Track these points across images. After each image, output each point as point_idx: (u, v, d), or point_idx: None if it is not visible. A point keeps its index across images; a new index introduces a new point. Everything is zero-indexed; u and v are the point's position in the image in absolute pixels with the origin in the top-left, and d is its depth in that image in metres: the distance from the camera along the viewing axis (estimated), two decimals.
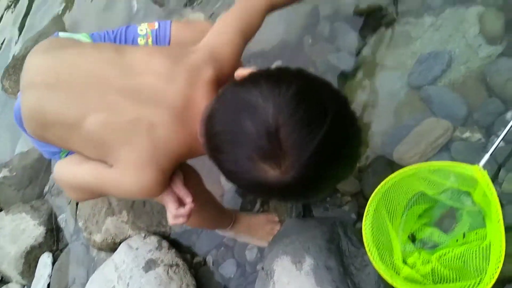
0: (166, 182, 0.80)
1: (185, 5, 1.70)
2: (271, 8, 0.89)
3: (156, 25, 1.05)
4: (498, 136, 0.88)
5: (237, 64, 0.83)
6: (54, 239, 1.70)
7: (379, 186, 0.90)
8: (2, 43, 2.63)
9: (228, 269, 1.23)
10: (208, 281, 1.26)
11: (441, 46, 1.07)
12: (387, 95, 1.12)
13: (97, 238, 1.43)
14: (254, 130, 0.58)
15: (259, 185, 0.62)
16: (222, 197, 1.31)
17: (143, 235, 1.34)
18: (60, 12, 2.30)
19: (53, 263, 1.63)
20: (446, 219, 0.94)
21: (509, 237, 0.76)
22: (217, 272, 1.25)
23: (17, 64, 2.23)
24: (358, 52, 1.21)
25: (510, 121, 0.88)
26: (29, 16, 2.51)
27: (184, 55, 0.81)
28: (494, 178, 0.91)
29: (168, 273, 1.22)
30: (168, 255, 1.28)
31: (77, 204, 1.61)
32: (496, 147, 0.87)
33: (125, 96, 0.78)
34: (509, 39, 0.99)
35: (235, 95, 0.65)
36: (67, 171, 0.90)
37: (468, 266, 0.82)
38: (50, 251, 1.67)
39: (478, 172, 0.84)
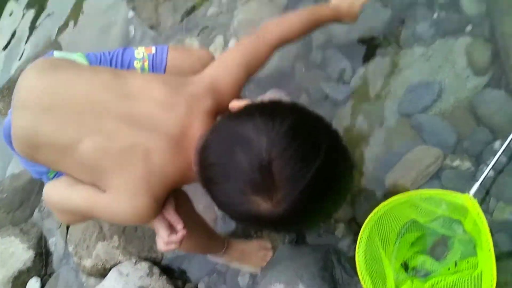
0: (159, 209, 0.80)
1: (182, 32, 1.73)
2: (281, 44, 0.89)
3: (153, 49, 1.06)
4: (487, 165, 0.90)
5: (237, 96, 0.83)
6: (43, 263, 1.66)
7: (371, 213, 0.91)
8: None
9: None
10: None
11: (431, 77, 1.09)
12: (378, 122, 1.13)
13: (87, 263, 1.41)
14: (247, 163, 0.59)
15: (251, 217, 0.62)
16: (215, 222, 1.30)
17: (134, 260, 1.32)
18: (54, 37, 2.33)
19: None
20: (438, 247, 0.94)
21: (500, 266, 0.77)
22: None
23: (11, 86, 2.24)
24: (349, 80, 1.23)
25: (499, 150, 0.89)
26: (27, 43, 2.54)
27: (184, 84, 0.81)
28: (485, 207, 0.91)
29: None
30: (159, 282, 1.26)
31: (67, 227, 1.59)
32: (486, 176, 0.89)
33: (122, 121, 0.77)
34: (494, 70, 1.02)
35: (230, 127, 0.65)
36: (57, 193, 0.88)
37: None
38: (39, 275, 1.64)
39: (469, 200, 0.86)
